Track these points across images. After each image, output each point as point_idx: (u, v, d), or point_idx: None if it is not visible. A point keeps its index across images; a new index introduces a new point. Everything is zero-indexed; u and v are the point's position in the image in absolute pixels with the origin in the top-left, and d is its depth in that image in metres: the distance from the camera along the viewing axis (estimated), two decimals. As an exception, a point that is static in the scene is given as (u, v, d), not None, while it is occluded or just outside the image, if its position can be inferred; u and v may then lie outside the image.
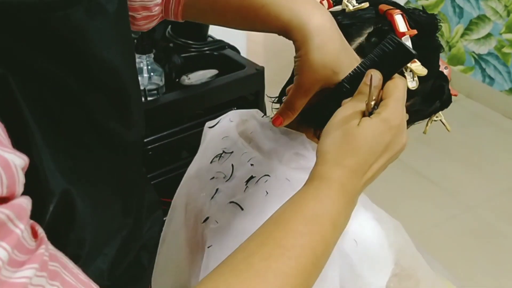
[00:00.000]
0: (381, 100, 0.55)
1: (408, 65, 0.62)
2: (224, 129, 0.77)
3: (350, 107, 0.55)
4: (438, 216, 2.17)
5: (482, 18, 2.84)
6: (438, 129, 0.78)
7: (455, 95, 0.76)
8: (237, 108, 1.33)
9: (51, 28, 0.39)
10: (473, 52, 2.95)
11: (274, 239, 0.47)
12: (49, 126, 0.42)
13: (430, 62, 0.68)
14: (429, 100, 0.72)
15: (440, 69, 0.73)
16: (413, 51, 0.55)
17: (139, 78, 1.22)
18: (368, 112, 0.54)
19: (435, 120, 0.77)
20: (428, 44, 0.68)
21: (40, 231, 0.34)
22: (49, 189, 0.42)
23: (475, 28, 2.90)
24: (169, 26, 1.38)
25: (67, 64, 0.42)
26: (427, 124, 0.77)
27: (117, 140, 0.51)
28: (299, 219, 0.49)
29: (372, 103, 0.54)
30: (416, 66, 0.63)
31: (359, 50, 0.65)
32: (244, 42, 2.12)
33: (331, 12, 0.68)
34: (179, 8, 0.69)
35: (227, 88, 1.30)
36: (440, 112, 0.76)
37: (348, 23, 0.66)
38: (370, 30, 0.66)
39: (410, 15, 0.67)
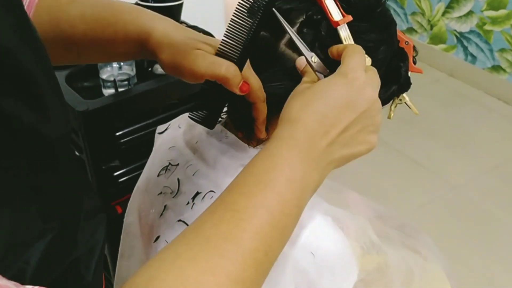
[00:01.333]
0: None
1: None
2: (171, 137, 0.73)
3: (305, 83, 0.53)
4: (423, 197, 2.16)
5: (463, -5, 2.81)
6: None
7: (420, 72, 0.68)
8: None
9: None
10: (455, 30, 2.92)
11: (225, 204, 0.45)
12: None
13: (379, 44, 0.61)
14: (383, 85, 0.63)
15: (400, 46, 0.65)
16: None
17: (108, 68, 1.16)
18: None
19: (399, 103, 0.69)
20: (372, 27, 0.60)
21: None
22: None
23: (456, 6, 2.87)
24: (140, 13, 1.32)
25: None
26: (390, 109, 0.69)
27: (31, 137, 0.46)
28: (249, 180, 0.46)
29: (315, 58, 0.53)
30: None
31: (291, 43, 0.58)
32: (221, 27, 2.06)
33: None
34: None
35: (203, 76, 1.25)
36: (404, 94, 0.68)
37: (288, 8, 0.59)
38: (302, 19, 0.59)
39: None
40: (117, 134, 1.14)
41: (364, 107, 0.50)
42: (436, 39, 3.04)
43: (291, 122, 0.48)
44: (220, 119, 0.69)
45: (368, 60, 0.57)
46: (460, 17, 2.87)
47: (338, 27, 0.56)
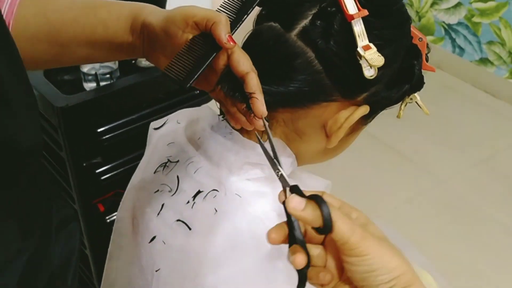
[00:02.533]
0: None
1: (362, 53, 0.54)
2: (170, 133, 0.70)
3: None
4: (410, 191, 2.14)
5: (451, -14, 2.79)
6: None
7: (432, 70, 0.65)
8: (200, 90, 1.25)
9: None
10: (443, 22, 2.91)
11: None
12: None
13: (393, 42, 0.58)
14: (395, 85, 0.62)
15: (413, 42, 0.63)
16: None
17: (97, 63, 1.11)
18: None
19: (409, 102, 0.67)
20: (388, 24, 0.58)
21: None
22: None
23: (445, -3, 2.85)
24: (123, 3, 1.27)
25: None
26: (400, 108, 0.67)
27: (3, 149, 0.43)
28: None
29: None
30: (371, 55, 0.54)
31: (303, 35, 0.56)
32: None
33: None
34: None
35: (189, 69, 1.20)
36: (415, 94, 0.65)
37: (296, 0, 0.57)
38: (315, 10, 0.56)
39: None
40: (99, 130, 1.09)
41: None
42: (424, 31, 3.01)
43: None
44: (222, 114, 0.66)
45: (381, 59, 0.54)
46: (449, 8, 2.85)
47: (352, 21, 0.53)
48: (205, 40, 0.54)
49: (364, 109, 0.60)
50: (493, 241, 1.93)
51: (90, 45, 0.62)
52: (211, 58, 0.54)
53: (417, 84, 0.63)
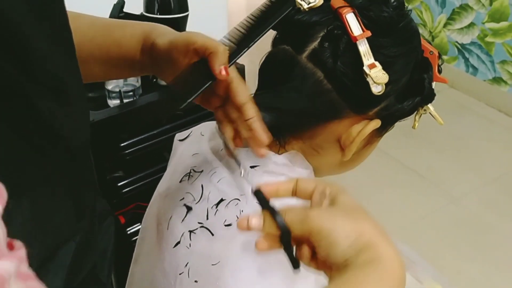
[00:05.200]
0: None
1: (367, 72, 0.57)
2: (194, 144, 0.73)
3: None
4: (424, 208, 2.16)
5: (464, 7, 2.82)
6: (421, 119, 0.72)
7: (444, 82, 0.68)
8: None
9: None
10: (456, 42, 2.94)
11: None
12: None
13: (401, 58, 0.61)
14: (406, 98, 0.64)
15: (424, 56, 0.65)
16: None
17: (114, 80, 1.17)
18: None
19: (423, 114, 0.69)
20: (393, 42, 0.60)
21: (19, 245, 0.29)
22: None
23: (457, 18, 2.88)
24: (145, 24, 1.33)
25: None
26: (415, 119, 0.69)
27: (64, 142, 0.48)
28: None
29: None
30: (376, 73, 0.56)
31: (312, 56, 0.59)
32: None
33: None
34: None
35: (207, 87, 1.25)
36: (428, 105, 0.68)
37: (313, 21, 0.60)
38: (323, 33, 0.60)
39: (364, 11, 0.59)
40: (122, 145, 1.14)
41: None
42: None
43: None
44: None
45: (386, 77, 0.57)
46: (462, 28, 2.89)
47: (357, 42, 0.57)
48: (204, 66, 0.57)
49: (375, 123, 0.63)
50: (508, 259, 1.93)
51: (105, 62, 0.66)
52: (204, 87, 0.56)
53: (428, 96, 0.66)
